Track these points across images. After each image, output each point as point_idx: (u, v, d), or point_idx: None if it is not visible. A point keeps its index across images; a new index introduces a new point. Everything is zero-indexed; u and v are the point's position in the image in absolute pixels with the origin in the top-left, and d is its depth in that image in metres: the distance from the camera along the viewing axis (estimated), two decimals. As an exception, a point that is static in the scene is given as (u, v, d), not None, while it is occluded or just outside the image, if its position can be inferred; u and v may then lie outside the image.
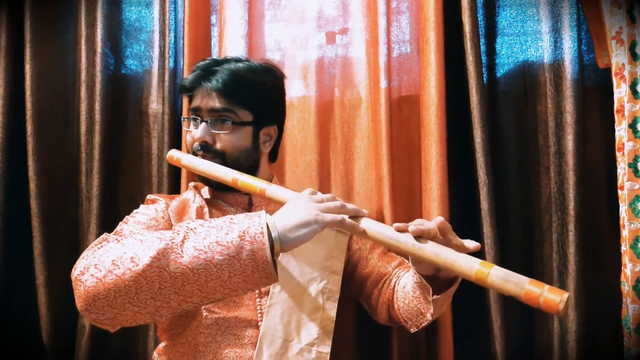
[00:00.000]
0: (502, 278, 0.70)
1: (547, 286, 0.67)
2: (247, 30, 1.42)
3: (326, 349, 1.00)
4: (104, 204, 1.40)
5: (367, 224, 0.81)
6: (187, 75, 1.09)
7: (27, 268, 1.40)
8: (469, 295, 1.23)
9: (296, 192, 0.90)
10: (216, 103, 1.01)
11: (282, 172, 1.41)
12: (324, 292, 1.04)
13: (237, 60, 1.06)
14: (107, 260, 0.76)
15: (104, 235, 0.86)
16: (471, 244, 0.82)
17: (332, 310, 1.03)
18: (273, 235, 0.75)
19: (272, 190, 0.91)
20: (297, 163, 1.40)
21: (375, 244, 0.82)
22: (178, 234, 0.76)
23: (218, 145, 1.02)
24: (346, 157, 1.41)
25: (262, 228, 0.74)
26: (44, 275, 1.37)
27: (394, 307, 1.05)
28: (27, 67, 1.40)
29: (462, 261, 0.74)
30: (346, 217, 0.81)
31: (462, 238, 0.83)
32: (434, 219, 0.83)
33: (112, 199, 1.44)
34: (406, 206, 1.38)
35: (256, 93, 1.04)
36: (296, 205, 0.81)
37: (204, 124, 1.02)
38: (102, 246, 0.82)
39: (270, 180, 1.12)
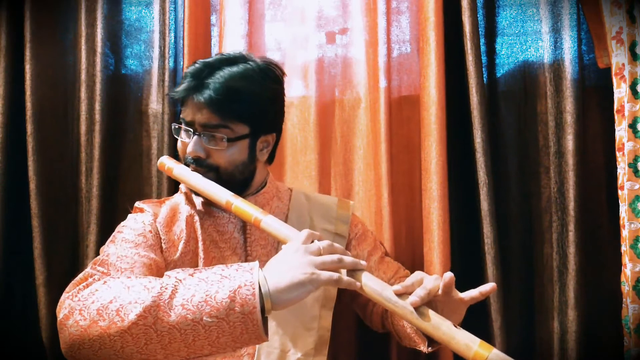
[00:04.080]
0: None
1: None
2: (247, 30, 1.42)
3: (323, 358, 0.99)
4: (104, 204, 1.40)
5: (366, 281, 0.78)
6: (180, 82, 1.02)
7: (27, 268, 1.40)
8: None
9: (293, 227, 0.86)
10: (209, 118, 0.94)
11: (282, 172, 1.41)
12: (320, 300, 1.02)
13: (232, 62, 0.97)
14: (92, 308, 0.74)
15: (89, 270, 0.84)
16: (472, 292, 0.80)
17: (327, 318, 1.01)
18: (264, 294, 0.72)
19: (268, 222, 0.87)
20: (297, 163, 1.40)
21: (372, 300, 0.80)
22: (166, 288, 0.73)
23: (212, 160, 0.96)
24: (346, 157, 1.41)
25: (253, 289, 0.71)
26: (44, 276, 1.37)
27: (387, 320, 1.04)
28: (27, 67, 1.40)
29: (461, 339, 0.71)
30: (344, 274, 0.78)
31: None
32: (434, 277, 0.80)
33: (112, 199, 1.44)
34: (406, 206, 1.38)
35: (252, 105, 0.95)
36: (291, 259, 0.77)
37: (196, 137, 0.95)
38: (87, 284, 0.80)
39: (265, 180, 1.08)
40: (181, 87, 0.96)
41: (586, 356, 1.21)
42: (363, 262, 0.80)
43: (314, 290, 0.75)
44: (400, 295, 0.76)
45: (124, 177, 1.46)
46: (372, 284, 0.78)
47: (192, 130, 0.96)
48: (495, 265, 1.22)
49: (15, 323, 1.42)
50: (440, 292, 0.79)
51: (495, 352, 0.69)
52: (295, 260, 0.76)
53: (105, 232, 1.38)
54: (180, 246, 0.97)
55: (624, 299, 1.15)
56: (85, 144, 1.42)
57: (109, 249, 0.92)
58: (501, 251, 1.24)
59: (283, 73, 1.05)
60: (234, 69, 0.95)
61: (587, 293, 1.23)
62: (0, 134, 1.39)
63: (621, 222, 1.16)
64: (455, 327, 0.73)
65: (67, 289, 0.81)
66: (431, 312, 0.75)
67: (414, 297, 0.75)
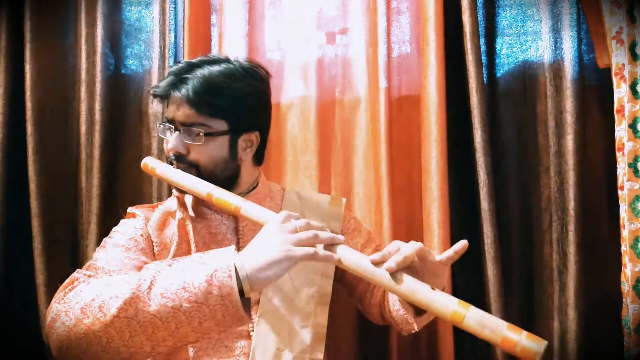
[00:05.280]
0: (478, 322, 0.68)
1: (525, 333, 0.65)
2: (247, 30, 1.42)
3: (319, 355, 0.98)
4: (104, 204, 1.40)
5: (343, 253, 0.78)
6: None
7: (27, 268, 1.40)
8: (469, 294, 1.23)
9: (273, 212, 0.86)
10: (186, 114, 0.95)
11: (282, 172, 1.41)
12: (315, 297, 1.01)
13: (214, 62, 0.98)
14: (77, 308, 0.75)
15: (75, 274, 0.85)
16: (448, 253, 0.81)
17: (323, 315, 1.01)
18: (241, 276, 0.73)
19: (247, 208, 0.87)
20: (297, 163, 1.40)
21: (351, 272, 0.80)
22: (144, 280, 0.74)
23: (192, 156, 0.97)
24: (346, 157, 1.41)
25: (230, 271, 0.72)
26: (44, 275, 1.37)
27: (385, 309, 1.04)
28: (27, 67, 1.40)
29: (438, 300, 0.71)
30: (320, 248, 0.78)
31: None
32: (410, 243, 0.81)
33: (112, 199, 1.44)
34: (406, 206, 1.38)
35: (230, 101, 0.96)
36: (266, 239, 0.78)
37: (177, 133, 0.96)
38: (73, 287, 0.81)
39: (256, 182, 1.07)
40: (162, 84, 0.98)
41: (586, 356, 1.21)
42: (340, 237, 0.80)
43: (291, 267, 0.76)
44: (378, 264, 0.77)
45: (124, 177, 1.47)
46: (350, 257, 0.78)
47: (173, 127, 0.97)
48: (495, 265, 1.22)
49: (15, 323, 1.42)
50: (415, 258, 0.80)
51: (473, 309, 0.69)
52: (271, 239, 0.77)
53: (105, 232, 1.37)
54: (173, 249, 0.97)
55: (624, 299, 1.15)
56: (85, 144, 1.42)
57: (99, 254, 0.93)
58: (501, 251, 1.25)
59: (269, 74, 1.05)
60: (215, 67, 0.97)
61: (587, 293, 1.23)
62: (0, 134, 1.39)
63: (621, 222, 1.16)
64: (432, 289, 0.73)
65: (55, 294, 0.82)
66: (407, 277, 0.75)
67: (389, 263, 0.76)
